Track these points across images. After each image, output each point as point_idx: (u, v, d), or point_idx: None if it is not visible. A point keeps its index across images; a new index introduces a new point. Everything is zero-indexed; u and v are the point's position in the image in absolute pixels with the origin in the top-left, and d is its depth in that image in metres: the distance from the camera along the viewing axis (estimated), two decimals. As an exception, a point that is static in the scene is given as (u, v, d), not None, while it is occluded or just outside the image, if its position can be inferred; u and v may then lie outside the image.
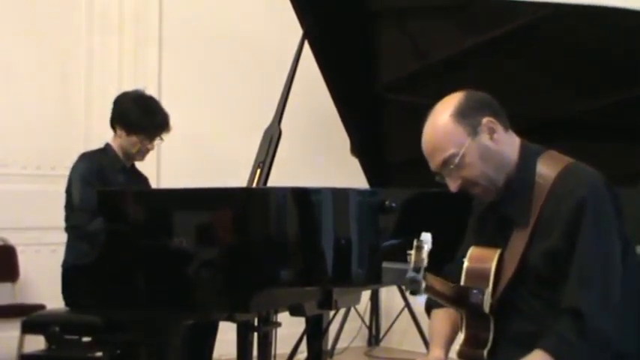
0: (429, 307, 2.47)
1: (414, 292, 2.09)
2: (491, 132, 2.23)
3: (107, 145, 4.17)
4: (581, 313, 2.08)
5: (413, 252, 2.08)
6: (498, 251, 2.24)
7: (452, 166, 2.22)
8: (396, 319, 6.16)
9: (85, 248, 3.79)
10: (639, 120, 3.38)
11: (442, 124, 2.24)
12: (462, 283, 2.25)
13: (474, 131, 2.22)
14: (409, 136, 3.97)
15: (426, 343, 5.52)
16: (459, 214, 3.22)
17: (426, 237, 2.10)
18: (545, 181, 2.20)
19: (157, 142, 4.15)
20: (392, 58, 3.83)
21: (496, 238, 2.28)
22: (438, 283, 2.21)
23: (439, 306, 2.41)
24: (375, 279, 3.12)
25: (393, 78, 3.86)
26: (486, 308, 2.20)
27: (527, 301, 2.20)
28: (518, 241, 2.21)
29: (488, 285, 2.21)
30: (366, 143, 4.12)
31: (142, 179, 4.29)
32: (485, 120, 2.23)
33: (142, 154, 4.16)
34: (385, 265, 2.13)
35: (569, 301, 2.11)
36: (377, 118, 4.01)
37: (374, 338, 6.40)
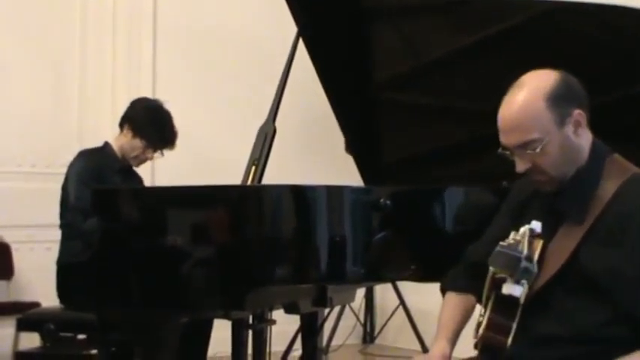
0: (446, 287, 2.39)
1: (518, 281, 2.03)
2: (577, 125, 2.15)
3: (106, 144, 4.17)
4: None
5: (526, 240, 2.03)
6: (542, 242, 2.14)
7: (529, 151, 2.11)
8: (390, 316, 6.16)
9: (79, 246, 3.80)
10: (636, 119, 3.39)
11: (533, 105, 2.11)
12: None
13: (562, 121, 2.12)
14: (404, 134, 4.01)
15: (421, 341, 5.53)
16: (455, 211, 3.24)
17: (537, 225, 2.06)
18: (609, 185, 2.13)
19: (156, 155, 4.17)
20: (386, 56, 3.83)
21: (542, 230, 2.17)
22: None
23: (454, 288, 2.36)
24: (369, 276, 3.13)
25: (388, 76, 3.86)
26: (522, 299, 2.10)
27: (561, 302, 2.12)
28: (570, 238, 2.13)
29: (536, 253, 2.11)
30: (360, 141, 4.12)
31: (137, 179, 4.30)
32: (575, 112, 2.14)
33: (139, 160, 4.18)
34: (499, 248, 2.07)
35: None
36: (371, 116, 4.01)
37: (369, 336, 6.41)
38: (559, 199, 2.20)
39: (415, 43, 3.69)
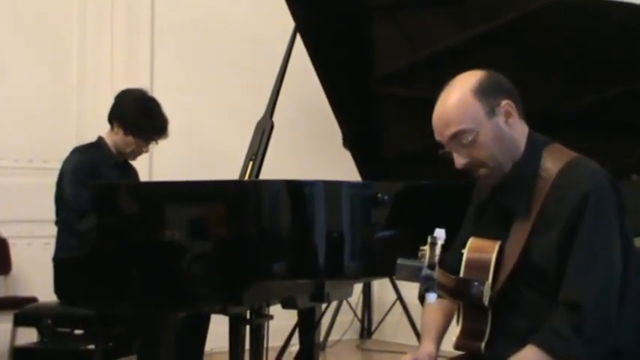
0: (423, 296, 2.41)
1: (427, 290, 2.06)
2: (508, 116, 2.21)
3: (100, 139, 4.15)
4: (578, 304, 2.05)
5: (427, 248, 2.06)
6: (498, 243, 2.21)
7: (464, 141, 2.18)
8: (388, 311, 6.17)
9: (74, 243, 3.79)
10: (636, 114, 3.39)
11: (461, 98, 2.20)
12: (462, 274, 2.22)
13: (492, 111, 2.19)
14: (402, 129, 4.01)
15: (418, 336, 5.54)
16: (452, 206, 3.24)
17: (440, 233, 2.07)
18: (548, 174, 2.18)
19: (151, 145, 4.15)
20: (385, 50, 3.83)
21: (496, 229, 2.25)
22: (440, 276, 2.16)
23: None
24: (367, 271, 3.13)
25: (386, 71, 3.86)
26: (486, 301, 2.17)
27: (525, 296, 2.18)
28: (519, 234, 2.18)
29: (488, 277, 2.18)
30: (358, 136, 4.12)
31: (133, 173, 4.29)
32: (504, 102, 2.20)
33: (134, 154, 4.16)
34: (400, 261, 2.10)
35: (565, 294, 2.09)
36: (369, 111, 4.01)
37: (366, 331, 6.41)
38: (503, 197, 2.25)
39: (414, 37, 3.69)
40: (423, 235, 3.21)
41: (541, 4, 3.26)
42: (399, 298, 5.89)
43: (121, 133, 4.07)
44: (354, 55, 3.87)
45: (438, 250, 2.06)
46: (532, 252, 2.16)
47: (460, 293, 2.20)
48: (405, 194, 3.20)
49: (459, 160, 2.22)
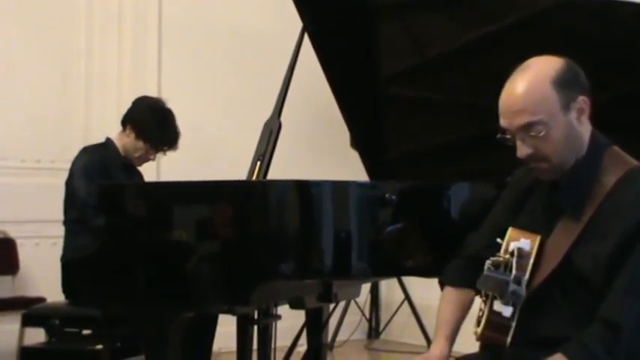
0: (445, 282, 2.38)
1: (507, 303, 2.00)
2: (581, 113, 2.11)
3: (108, 140, 4.18)
4: (618, 327, 1.95)
5: (514, 260, 2.00)
6: (539, 237, 2.12)
7: (533, 133, 2.07)
8: (396, 311, 6.17)
9: (84, 242, 3.80)
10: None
11: (540, 87, 2.07)
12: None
13: (567, 106, 2.08)
14: (409, 129, 4.00)
15: (426, 336, 5.53)
16: (461, 206, 3.23)
17: (525, 244, 2.02)
18: (607, 179, 2.09)
19: (159, 154, 4.18)
20: (392, 51, 3.82)
21: (539, 222, 2.17)
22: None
23: (452, 282, 2.34)
24: (374, 271, 3.12)
25: (393, 71, 3.85)
26: (521, 299, 2.07)
27: (558, 303, 2.09)
28: (566, 235, 2.09)
29: (525, 273, 2.08)
30: (366, 136, 4.11)
31: (138, 175, 4.31)
32: (580, 98, 2.11)
33: (141, 160, 4.19)
34: (486, 272, 2.05)
35: (607, 312, 1.98)
36: (377, 112, 4.00)
37: (374, 331, 6.41)
38: (557, 194, 2.16)
39: (421, 38, 3.68)
40: (429, 235, 3.21)
41: (548, 5, 3.25)
42: (407, 298, 5.89)
43: (132, 136, 4.10)
44: (362, 56, 3.86)
45: (527, 264, 1.99)
46: (577, 257, 2.06)
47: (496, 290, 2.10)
48: (412, 194, 3.19)
49: (523, 150, 2.10)
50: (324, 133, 5.93)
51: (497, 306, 2.05)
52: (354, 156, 4.24)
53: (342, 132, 4.40)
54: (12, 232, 5.20)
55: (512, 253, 2.05)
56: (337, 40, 3.83)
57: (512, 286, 1.99)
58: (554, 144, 2.08)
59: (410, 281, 5.85)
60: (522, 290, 1.99)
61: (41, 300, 4.67)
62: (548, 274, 2.09)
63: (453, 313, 2.30)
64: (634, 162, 2.15)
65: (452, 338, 2.27)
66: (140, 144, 4.10)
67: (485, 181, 3.15)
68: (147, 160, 4.21)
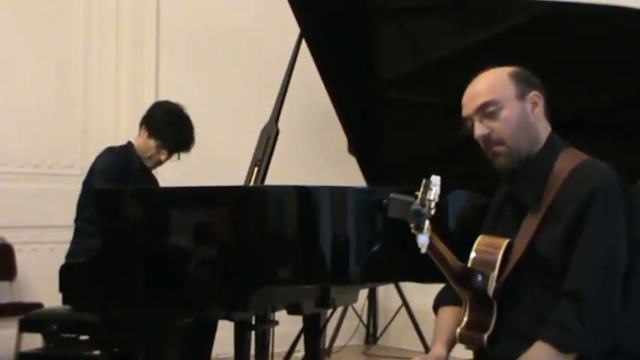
0: (437, 305, 2.46)
1: (417, 228, 2.07)
2: (535, 106, 2.29)
3: (129, 144, 4.20)
4: (578, 293, 2.06)
5: (420, 190, 2.07)
6: (507, 240, 2.25)
7: (488, 111, 2.26)
8: (393, 317, 6.17)
9: (95, 243, 3.79)
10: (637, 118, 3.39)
11: (496, 76, 2.31)
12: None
13: (521, 95, 2.27)
14: (407, 135, 4.00)
15: (424, 341, 5.53)
16: (456, 214, 3.23)
17: (436, 180, 2.09)
18: (561, 171, 2.22)
19: (172, 157, 4.19)
20: (390, 56, 3.82)
21: (511, 226, 2.28)
22: (445, 251, 2.20)
23: (447, 303, 2.40)
24: (372, 277, 3.12)
25: (391, 76, 3.85)
26: (490, 292, 2.20)
27: (530, 292, 2.19)
28: (528, 228, 2.22)
29: (494, 269, 2.21)
30: (363, 141, 4.11)
31: (153, 181, 4.31)
32: (533, 92, 2.29)
33: (152, 160, 4.19)
34: (392, 195, 2.10)
35: (567, 284, 2.10)
36: (375, 117, 4.00)
37: (371, 337, 6.41)
38: (514, 184, 2.30)
39: (419, 42, 3.68)
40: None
41: (546, 10, 3.26)
42: (405, 303, 5.88)
43: (145, 135, 4.13)
44: (359, 60, 3.86)
45: (432, 195, 2.06)
46: (538, 245, 2.18)
47: (464, 281, 2.23)
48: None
49: (479, 130, 2.28)
50: (321, 138, 5.93)
51: (418, 240, 2.08)
52: (352, 162, 4.24)
53: (339, 138, 4.41)
54: (9, 237, 5.20)
55: (423, 186, 2.09)
56: (335, 45, 3.83)
57: (416, 206, 2.04)
58: (507, 125, 2.25)
59: (407, 287, 5.84)
60: (427, 210, 2.05)
61: (39, 305, 4.67)
62: (514, 264, 2.20)
63: (449, 324, 2.36)
64: (588, 157, 2.26)
65: (450, 344, 2.33)
66: (151, 142, 4.12)
67: (482, 190, 3.15)
68: (158, 161, 4.20)
